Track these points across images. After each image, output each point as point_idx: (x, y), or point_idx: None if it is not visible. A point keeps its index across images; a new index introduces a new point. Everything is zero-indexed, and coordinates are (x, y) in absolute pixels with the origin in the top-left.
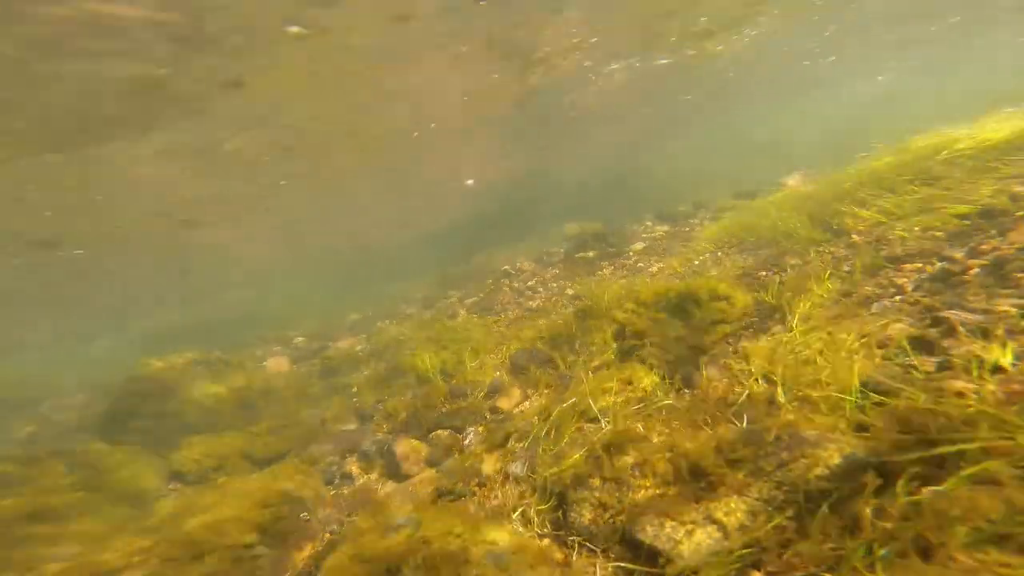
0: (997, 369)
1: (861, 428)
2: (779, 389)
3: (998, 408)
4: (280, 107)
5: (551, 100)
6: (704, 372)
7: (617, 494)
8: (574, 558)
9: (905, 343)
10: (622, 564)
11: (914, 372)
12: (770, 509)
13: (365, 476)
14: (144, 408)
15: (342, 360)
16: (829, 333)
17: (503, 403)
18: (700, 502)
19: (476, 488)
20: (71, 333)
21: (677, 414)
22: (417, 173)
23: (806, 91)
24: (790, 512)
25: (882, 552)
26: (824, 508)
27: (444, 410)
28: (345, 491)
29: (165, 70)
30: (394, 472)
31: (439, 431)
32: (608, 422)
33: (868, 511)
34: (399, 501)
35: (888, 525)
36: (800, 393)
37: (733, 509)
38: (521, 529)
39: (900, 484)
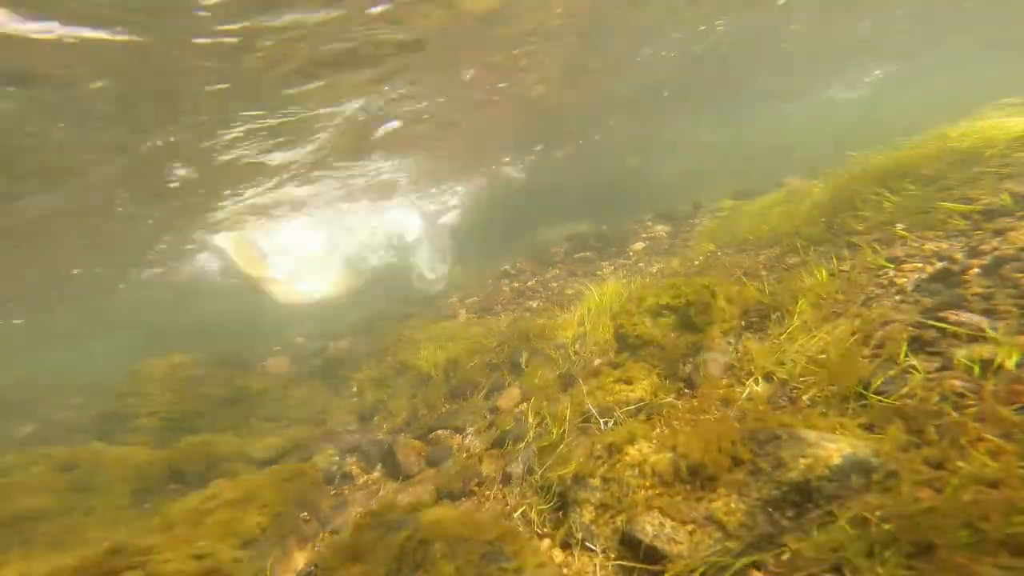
0: (997, 369)
1: (862, 427)
2: (783, 388)
3: (999, 408)
4: None
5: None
6: (704, 372)
7: (617, 494)
8: (574, 558)
9: (905, 343)
10: (622, 564)
11: (913, 372)
12: (770, 509)
13: (365, 476)
14: (144, 408)
15: (342, 360)
16: (829, 333)
17: (503, 403)
18: (700, 502)
19: (476, 488)
20: (71, 333)
21: (677, 414)
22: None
23: (808, 90)
24: (790, 512)
25: (884, 554)
26: (824, 508)
27: (444, 410)
28: (346, 491)
29: None
30: (394, 472)
31: (439, 431)
32: (608, 422)
33: (870, 512)
34: (399, 501)
35: (889, 526)
36: (800, 393)
37: (733, 509)
38: (522, 528)
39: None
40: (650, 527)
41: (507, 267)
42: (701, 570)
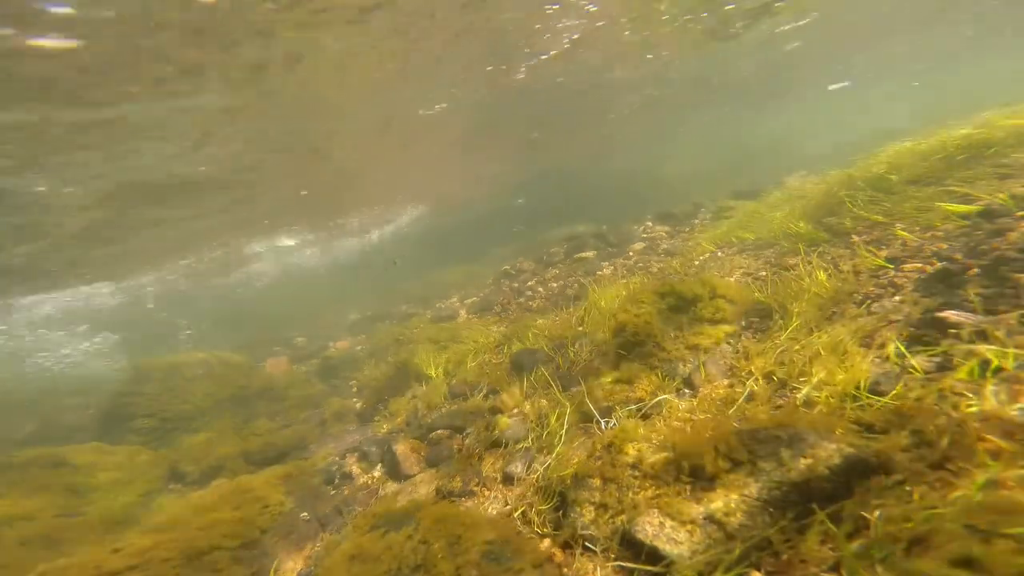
0: (997, 369)
1: (862, 428)
2: (782, 389)
3: (1000, 408)
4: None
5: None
6: (704, 372)
7: (617, 494)
8: (574, 558)
9: (905, 343)
10: (622, 564)
11: (913, 372)
12: (770, 509)
13: (366, 476)
14: (144, 408)
15: (342, 360)
16: (829, 333)
17: (503, 403)
18: (700, 502)
19: (476, 488)
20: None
21: (677, 414)
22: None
23: (813, 92)
24: (790, 512)
25: (882, 555)
26: (824, 509)
27: (444, 410)
28: (346, 491)
29: None
30: (394, 472)
31: (439, 431)
32: (608, 421)
33: (869, 512)
34: (399, 501)
35: (889, 528)
36: (800, 393)
37: (733, 509)
38: (522, 529)
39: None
40: (650, 527)
41: (507, 267)
42: (701, 571)
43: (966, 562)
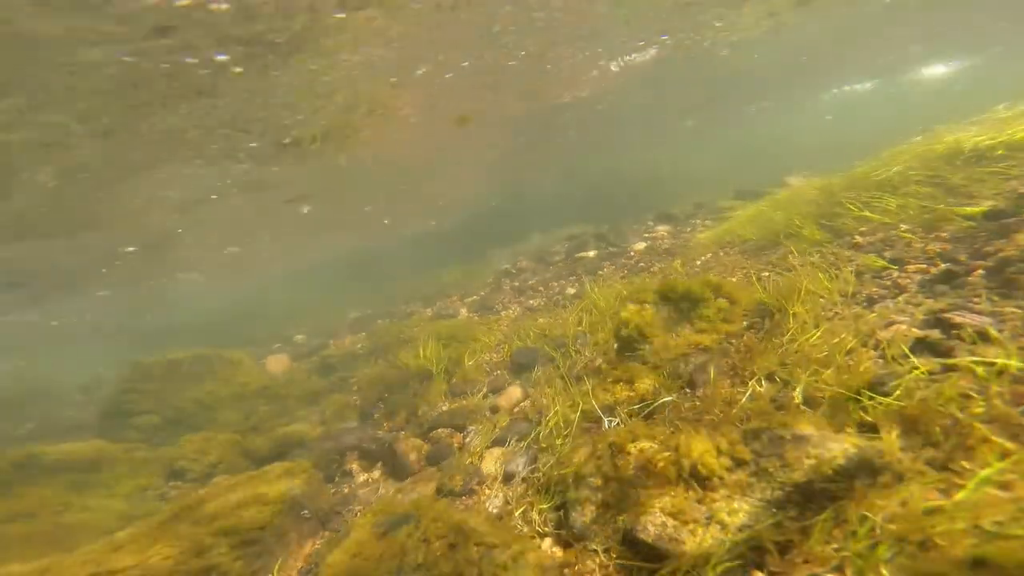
0: (1001, 371)
1: (866, 428)
2: (785, 389)
3: (1005, 409)
4: None
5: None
6: (707, 371)
7: (619, 493)
8: (575, 558)
9: (908, 345)
10: (623, 563)
11: (918, 373)
12: (773, 509)
13: (366, 474)
14: (143, 406)
15: (342, 358)
16: (832, 334)
17: (504, 402)
18: (702, 502)
19: (477, 487)
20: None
21: (679, 413)
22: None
23: (811, 91)
24: (793, 512)
25: (886, 556)
26: (828, 509)
27: (445, 408)
28: (346, 489)
29: None
30: (395, 470)
31: (439, 429)
32: (611, 421)
33: (874, 513)
34: (400, 499)
35: (893, 527)
36: (803, 393)
37: (736, 509)
38: (523, 528)
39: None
40: (652, 527)
41: (507, 266)
42: (703, 570)
43: (977, 563)
